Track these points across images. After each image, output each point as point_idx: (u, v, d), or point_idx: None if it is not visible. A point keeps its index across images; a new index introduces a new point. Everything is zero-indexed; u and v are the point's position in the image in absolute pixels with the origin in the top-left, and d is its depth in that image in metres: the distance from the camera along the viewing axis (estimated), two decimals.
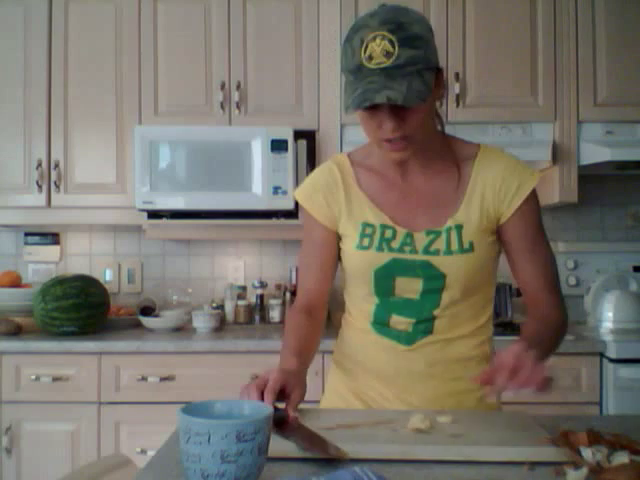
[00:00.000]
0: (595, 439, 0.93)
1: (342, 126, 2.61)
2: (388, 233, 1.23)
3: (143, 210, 2.56)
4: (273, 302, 2.79)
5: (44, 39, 2.67)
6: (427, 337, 1.26)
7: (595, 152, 2.54)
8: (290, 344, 1.21)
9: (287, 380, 1.07)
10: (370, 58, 1.07)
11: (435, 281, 1.22)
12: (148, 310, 2.77)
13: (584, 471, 0.85)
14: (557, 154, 2.56)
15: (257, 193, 2.51)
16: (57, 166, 2.66)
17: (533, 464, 0.92)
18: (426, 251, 1.21)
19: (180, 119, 2.62)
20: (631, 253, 2.85)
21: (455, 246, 1.20)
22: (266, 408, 0.88)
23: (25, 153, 2.67)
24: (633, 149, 2.51)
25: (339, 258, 1.32)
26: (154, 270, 3.02)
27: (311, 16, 2.64)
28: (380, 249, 1.22)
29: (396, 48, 1.07)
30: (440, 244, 1.21)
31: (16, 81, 2.67)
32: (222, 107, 2.62)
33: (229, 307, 2.80)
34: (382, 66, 1.07)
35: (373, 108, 1.11)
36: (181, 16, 2.67)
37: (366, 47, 1.07)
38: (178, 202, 2.54)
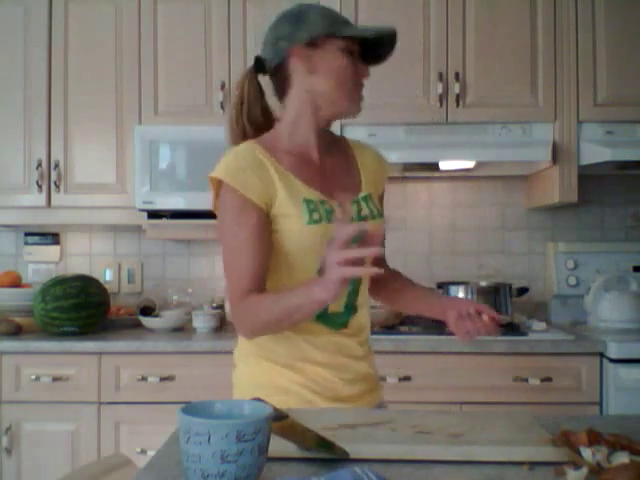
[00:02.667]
0: (595, 439, 0.93)
1: (342, 126, 2.60)
2: (327, 206, 1.28)
3: (143, 210, 2.56)
4: None
5: (44, 39, 2.67)
6: (353, 318, 1.34)
7: (595, 152, 2.54)
8: (290, 291, 1.21)
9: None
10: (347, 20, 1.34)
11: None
12: (148, 310, 2.77)
13: (584, 471, 0.85)
14: (557, 154, 2.56)
15: None
16: (57, 166, 2.66)
17: (533, 464, 0.92)
18: (359, 217, 1.31)
19: (180, 119, 2.62)
20: (631, 253, 2.85)
21: (375, 211, 1.35)
22: (266, 408, 0.88)
23: (25, 153, 2.68)
24: (633, 149, 2.51)
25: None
26: (154, 270, 3.02)
27: None
28: (329, 220, 1.25)
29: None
30: (365, 211, 1.33)
31: (16, 81, 2.68)
32: (222, 107, 2.62)
33: (229, 307, 2.80)
34: (368, 25, 1.36)
35: (350, 55, 1.29)
36: (181, 16, 2.67)
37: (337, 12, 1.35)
38: (178, 202, 2.54)
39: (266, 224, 1.25)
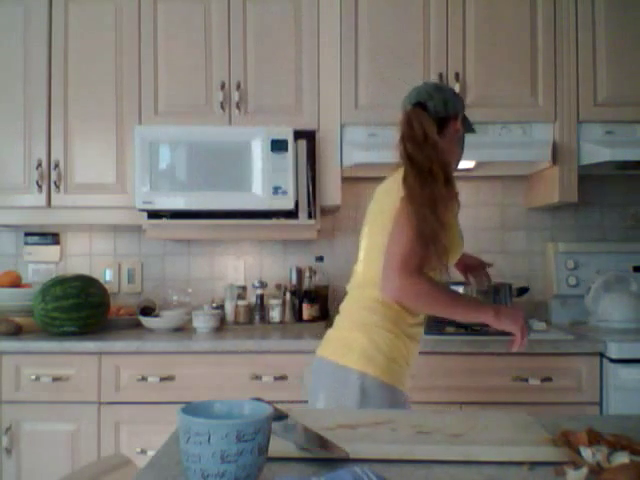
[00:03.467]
0: (595, 439, 0.93)
1: (342, 126, 2.61)
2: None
3: (143, 210, 2.56)
4: (273, 302, 2.79)
5: (44, 39, 2.67)
6: None
7: (595, 152, 2.54)
8: (474, 301, 1.88)
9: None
10: None
11: None
12: (148, 310, 2.77)
13: (584, 471, 0.85)
14: (557, 154, 2.56)
15: (257, 193, 2.51)
16: (57, 166, 2.66)
17: (533, 464, 0.92)
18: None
19: (180, 119, 2.62)
20: (631, 253, 2.85)
21: None
22: (266, 408, 0.88)
23: (25, 153, 2.67)
24: (633, 149, 2.51)
25: None
26: (154, 270, 3.02)
27: (311, 16, 2.64)
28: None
29: None
30: None
31: (16, 81, 2.67)
32: (222, 107, 2.62)
33: (229, 307, 2.80)
34: None
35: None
36: (181, 16, 2.67)
37: None
38: (178, 202, 2.54)
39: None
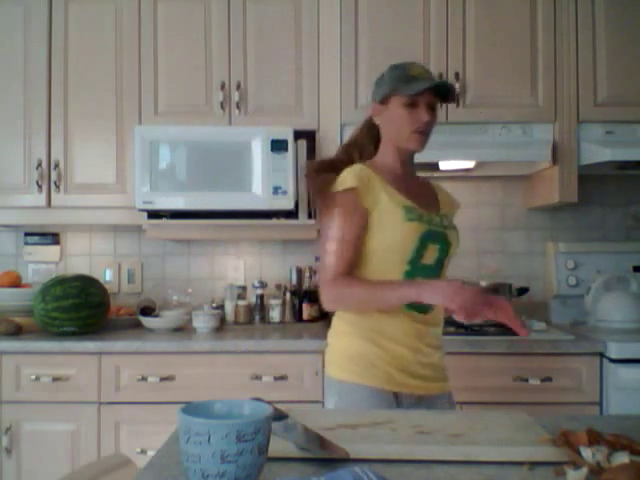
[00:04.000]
0: (595, 439, 0.93)
1: (342, 126, 2.61)
2: (420, 212, 1.60)
3: (143, 210, 2.56)
4: (273, 302, 2.79)
5: (44, 39, 2.67)
6: (434, 310, 1.60)
7: (595, 152, 2.54)
8: (400, 284, 1.54)
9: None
10: (420, 73, 1.62)
11: (446, 249, 1.62)
12: (148, 310, 2.77)
13: (584, 471, 0.85)
14: (557, 154, 2.56)
15: (257, 193, 2.51)
16: (57, 166, 2.66)
17: (533, 464, 0.92)
18: (442, 225, 1.64)
19: (180, 119, 2.62)
20: (631, 253, 2.85)
21: (451, 225, 1.69)
22: (266, 408, 0.88)
23: (25, 153, 2.67)
24: (633, 149, 2.51)
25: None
26: (154, 270, 3.02)
27: (311, 16, 2.64)
28: (421, 221, 1.57)
29: (429, 71, 1.66)
30: (446, 222, 1.67)
31: (16, 81, 2.67)
32: (222, 107, 2.63)
33: (229, 307, 2.80)
34: (427, 76, 1.63)
35: (413, 107, 1.60)
36: (181, 16, 2.67)
37: (411, 69, 1.63)
38: (178, 202, 2.54)
39: (365, 226, 1.56)
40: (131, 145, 2.60)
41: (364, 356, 1.57)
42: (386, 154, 1.68)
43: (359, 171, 1.58)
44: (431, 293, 1.43)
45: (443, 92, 1.64)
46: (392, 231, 1.56)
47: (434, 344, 1.63)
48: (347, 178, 1.57)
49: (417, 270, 1.57)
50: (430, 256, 1.59)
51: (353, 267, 1.57)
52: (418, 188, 1.69)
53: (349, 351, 1.60)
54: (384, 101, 1.65)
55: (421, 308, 1.58)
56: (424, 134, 1.62)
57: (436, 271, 1.62)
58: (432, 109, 1.63)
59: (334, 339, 1.66)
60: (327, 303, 1.57)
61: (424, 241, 1.56)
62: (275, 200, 2.50)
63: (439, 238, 1.60)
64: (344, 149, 1.74)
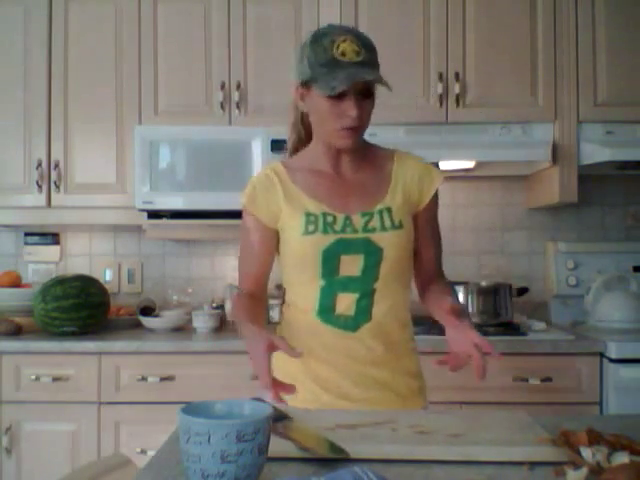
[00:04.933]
0: (595, 439, 0.93)
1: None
2: (329, 218, 1.40)
3: (143, 210, 2.56)
4: (273, 302, 2.78)
5: (44, 39, 2.67)
6: (368, 324, 1.42)
7: (595, 152, 2.54)
8: (246, 318, 1.38)
9: (264, 339, 1.23)
10: (343, 54, 1.30)
11: (374, 255, 1.40)
12: (148, 310, 2.77)
13: (584, 471, 0.85)
14: (557, 154, 2.56)
15: None
16: (57, 166, 2.66)
17: (533, 464, 0.92)
18: (365, 229, 1.40)
19: (180, 119, 2.62)
20: (631, 253, 2.85)
21: (388, 223, 1.41)
22: (266, 408, 0.88)
23: (25, 153, 2.67)
24: (633, 149, 2.51)
25: (278, 252, 1.49)
26: (154, 270, 3.02)
27: (311, 16, 2.64)
28: (325, 231, 1.38)
29: (362, 50, 1.31)
30: (375, 223, 1.40)
31: (16, 81, 2.68)
32: (222, 107, 2.62)
33: (229, 307, 2.80)
34: (354, 60, 1.30)
35: (339, 97, 1.32)
36: (181, 16, 2.67)
37: (338, 46, 1.30)
38: (178, 202, 2.54)
39: (269, 238, 1.45)
40: (131, 145, 2.60)
41: (289, 374, 1.36)
42: (316, 145, 1.45)
43: (260, 178, 1.46)
44: (247, 347, 1.29)
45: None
46: (292, 247, 1.42)
47: (372, 360, 1.42)
48: (245, 191, 1.46)
49: (336, 284, 1.40)
50: (350, 267, 1.39)
51: (259, 286, 1.50)
52: (354, 179, 1.45)
53: (277, 364, 1.37)
54: (306, 85, 1.36)
55: (345, 324, 1.41)
56: (355, 130, 1.36)
57: (367, 282, 1.40)
58: (365, 95, 1.35)
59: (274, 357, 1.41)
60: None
61: (331, 254, 1.38)
62: None
63: (357, 246, 1.38)
64: (291, 129, 1.54)
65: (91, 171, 2.67)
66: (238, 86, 2.63)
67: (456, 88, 2.55)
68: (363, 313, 1.42)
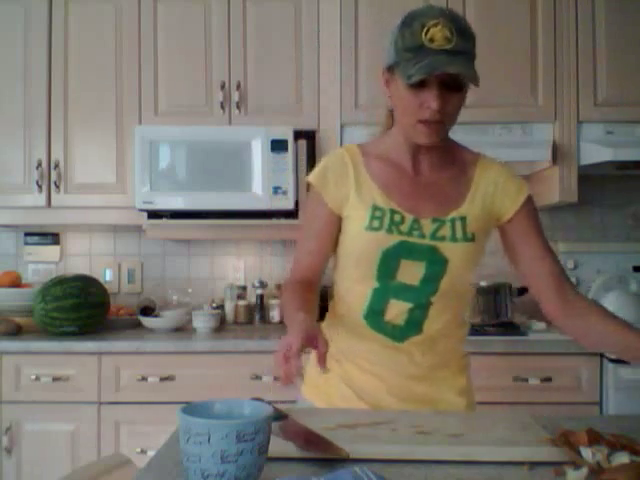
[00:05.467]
0: (595, 439, 0.93)
1: (342, 126, 2.61)
2: (397, 217, 1.29)
3: (143, 210, 2.56)
4: (273, 302, 2.79)
5: (44, 39, 2.67)
6: (417, 337, 1.32)
7: (595, 152, 2.54)
8: (293, 305, 1.22)
9: (307, 334, 1.06)
10: (431, 40, 1.19)
11: (437, 266, 1.29)
12: (148, 310, 2.77)
13: (584, 471, 0.85)
14: (557, 154, 2.56)
15: (257, 193, 2.51)
16: (57, 166, 2.66)
17: (533, 464, 0.92)
18: (433, 237, 1.28)
19: (180, 119, 2.62)
20: (631, 253, 2.85)
21: (460, 234, 1.28)
22: (266, 408, 0.88)
23: (25, 153, 2.67)
24: (633, 149, 2.51)
25: (337, 240, 1.36)
26: (154, 270, 3.02)
27: (311, 16, 2.64)
28: (390, 231, 1.27)
29: (454, 36, 1.20)
30: (446, 231, 1.28)
31: (16, 81, 2.68)
32: (222, 107, 2.62)
33: (229, 307, 2.80)
34: (444, 47, 1.19)
35: (421, 87, 1.21)
36: (181, 16, 2.67)
37: (427, 30, 1.19)
38: (178, 202, 2.54)
39: (332, 224, 1.34)
40: (131, 145, 2.60)
41: (324, 374, 1.25)
42: (397, 135, 1.34)
43: (333, 159, 1.36)
44: (290, 330, 1.12)
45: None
46: (352, 239, 1.32)
47: (414, 374, 1.33)
48: (315, 169, 1.36)
49: (391, 289, 1.30)
50: (409, 274, 1.29)
51: (314, 272, 1.34)
52: (433, 181, 1.33)
53: (315, 367, 1.34)
54: (390, 69, 1.26)
55: (393, 332, 1.32)
56: (436, 125, 1.23)
57: (424, 293, 1.30)
58: (453, 87, 1.25)
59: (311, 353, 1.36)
60: None
61: (391, 256, 1.27)
62: (275, 200, 2.50)
63: (420, 253, 1.28)
64: (386, 113, 1.44)
65: (91, 171, 2.67)
66: (238, 86, 2.63)
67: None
68: (414, 325, 1.31)
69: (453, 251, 1.28)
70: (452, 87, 1.24)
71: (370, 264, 1.29)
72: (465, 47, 1.23)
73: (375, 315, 1.32)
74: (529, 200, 1.35)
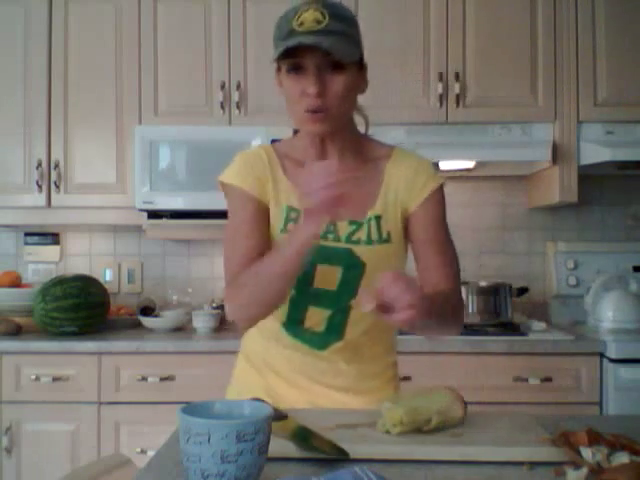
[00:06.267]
0: (595, 439, 0.93)
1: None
2: None
3: (143, 210, 2.56)
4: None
5: (44, 39, 2.67)
6: (338, 343, 1.26)
7: (595, 152, 2.54)
8: (271, 255, 1.16)
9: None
10: (301, 24, 1.13)
11: (354, 270, 1.23)
12: (148, 310, 2.77)
13: (584, 471, 0.85)
14: (557, 154, 2.56)
15: None
16: (57, 166, 2.66)
17: (533, 464, 0.92)
18: (348, 239, 1.23)
19: (180, 119, 2.62)
20: (631, 253, 2.84)
21: (375, 236, 1.23)
22: (266, 408, 0.88)
23: (25, 153, 2.67)
24: (633, 149, 2.51)
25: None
26: (154, 270, 3.02)
27: None
28: None
29: (326, 18, 1.13)
30: (361, 234, 1.23)
31: (16, 81, 2.67)
32: (222, 107, 2.62)
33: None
34: (312, 29, 1.12)
35: (301, 74, 1.16)
36: (181, 16, 2.67)
37: (299, 17, 1.14)
38: (178, 202, 2.54)
39: (262, 213, 1.25)
40: (131, 145, 2.60)
41: (247, 385, 1.33)
42: (303, 136, 1.29)
43: (249, 155, 1.30)
44: (300, 230, 1.10)
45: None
46: (272, 241, 1.25)
47: (337, 385, 1.28)
48: (229, 168, 1.30)
49: (309, 297, 1.24)
50: (326, 280, 1.23)
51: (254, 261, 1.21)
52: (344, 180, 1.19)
53: (236, 374, 1.40)
54: (278, 65, 1.25)
55: (312, 339, 1.26)
56: (320, 113, 1.17)
57: (343, 298, 1.24)
58: (335, 69, 1.16)
59: (236, 368, 1.42)
60: (231, 314, 1.22)
61: (306, 263, 1.15)
62: None
63: (336, 257, 1.22)
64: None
65: (91, 171, 2.67)
66: (238, 86, 2.63)
67: (456, 88, 2.55)
68: (334, 331, 1.26)
69: (369, 254, 1.22)
70: (333, 69, 1.16)
71: None
72: (338, 27, 1.14)
73: (294, 324, 1.27)
74: (436, 194, 1.28)
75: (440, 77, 2.56)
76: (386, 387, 1.32)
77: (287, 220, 1.23)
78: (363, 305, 1.00)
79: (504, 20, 2.60)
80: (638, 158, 2.50)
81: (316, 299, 1.25)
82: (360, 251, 1.22)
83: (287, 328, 1.28)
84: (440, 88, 2.56)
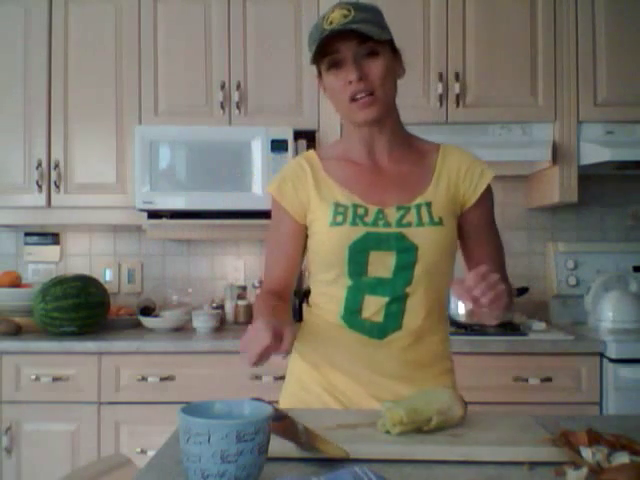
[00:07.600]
0: (595, 439, 0.93)
1: (342, 126, 2.60)
2: (360, 210, 1.27)
3: (143, 210, 2.56)
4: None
5: (44, 39, 2.67)
6: (398, 332, 1.28)
7: (595, 152, 2.54)
8: (264, 312, 1.22)
9: (273, 324, 1.07)
10: (330, 23, 1.21)
11: (408, 254, 1.25)
12: (148, 310, 2.77)
13: (584, 471, 0.85)
14: (557, 154, 2.56)
15: (257, 193, 2.51)
16: (57, 166, 2.66)
17: (533, 464, 0.92)
18: (399, 224, 1.26)
19: (180, 119, 2.62)
20: (631, 253, 2.85)
21: (426, 219, 1.27)
22: (266, 408, 0.88)
23: (25, 153, 2.67)
24: (633, 149, 2.51)
25: (304, 249, 1.38)
26: (154, 270, 3.02)
27: (311, 16, 2.64)
28: (354, 223, 1.26)
29: (352, 12, 1.21)
30: (411, 217, 1.27)
31: (16, 81, 2.67)
32: (222, 107, 2.62)
33: (229, 307, 2.80)
34: (340, 22, 1.20)
35: (338, 66, 1.24)
36: (181, 16, 2.67)
37: (327, 18, 1.22)
38: (178, 202, 2.54)
39: (296, 232, 1.34)
40: (131, 145, 2.60)
41: (300, 381, 1.35)
42: (350, 133, 1.36)
43: (290, 167, 1.38)
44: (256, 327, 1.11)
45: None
46: (318, 239, 1.30)
47: (396, 374, 1.29)
48: (273, 179, 1.40)
49: (365, 286, 1.27)
50: (381, 266, 1.26)
51: (284, 283, 1.35)
52: (393, 171, 1.32)
53: (292, 371, 1.40)
54: (318, 70, 1.31)
55: (372, 329, 1.28)
56: (367, 97, 1.23)
57: (399, 285, 1.27)
58: (369, 54, 1.24)
59: (290, 360, 1.42)
60: None
61: (359, 250, 1.25)
62: None
63: (388, 242, 1.25)
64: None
65: (91, 171, 2.67)
66: (238, 86, 2.63)
67: (456, 88, 2.55)
68: (393, 320, 1.28)
69: (421, 236, 1.25)
70: (369, 56, 1.24)
71: (340, 262, 1.27)
72: (364, 16, 1.22)
73: (352, 314, 1.29)
74: (489, 187, 1.36)
75: (440, 77, 2.56)
76: (441, 378, 1.33)
77: (335, 214, 1.28)
78: (465, 303, 1.06)
79: (504, 20, 2.60)
80: (638, 158, 2.50)
81: (372, 288, 1.27)
82: (412, 234, 1.25)
83: (345, 320, 1.31)
84: (440, 88, 2.56)
